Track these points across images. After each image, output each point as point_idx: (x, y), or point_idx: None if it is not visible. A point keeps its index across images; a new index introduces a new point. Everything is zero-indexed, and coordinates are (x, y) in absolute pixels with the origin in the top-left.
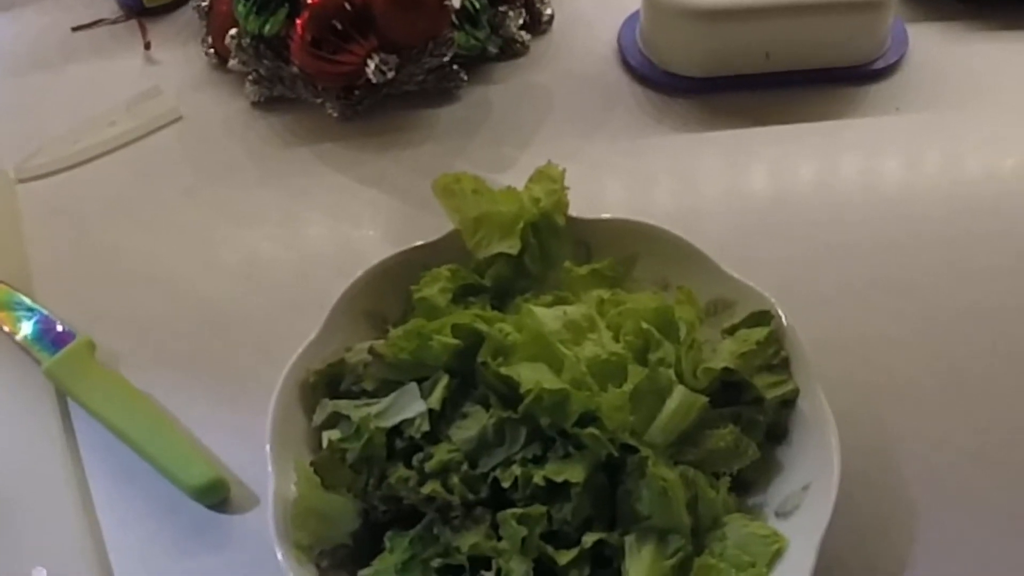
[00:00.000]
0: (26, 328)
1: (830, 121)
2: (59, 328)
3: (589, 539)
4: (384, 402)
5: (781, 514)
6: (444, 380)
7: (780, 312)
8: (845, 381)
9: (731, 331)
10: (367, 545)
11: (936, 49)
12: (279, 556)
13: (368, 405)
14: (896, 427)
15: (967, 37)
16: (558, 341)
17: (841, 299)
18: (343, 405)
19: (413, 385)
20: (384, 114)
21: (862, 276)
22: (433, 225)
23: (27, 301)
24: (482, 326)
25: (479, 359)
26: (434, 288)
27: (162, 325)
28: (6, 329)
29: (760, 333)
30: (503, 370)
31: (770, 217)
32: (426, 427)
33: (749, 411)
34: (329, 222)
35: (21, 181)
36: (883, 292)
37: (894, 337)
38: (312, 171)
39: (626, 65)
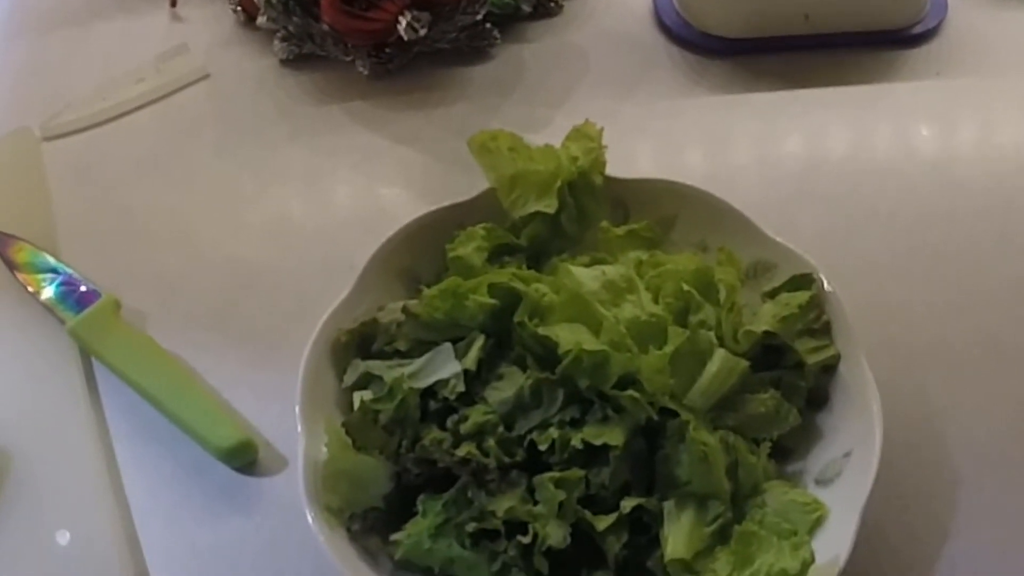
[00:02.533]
0: (50, 287)
1: (869, 85)
2: (84, 287)
3: (628, 504)
4: (418, 362)
5: (821, 482)
6: (480, 340)
7: (822, 276)
8: (884, 348)
9: (772, 294)
10: (399, 509)
11: (975, 14)
12: (309, 519)
13: (401, 366)
14: (937, 395)
15: (1006, 2)
16: (597, 302)
17: (879, 265)
18: (375, 365)
19: (448, 345)
20: (415, 72)
21: (901, 242)
22: (465, 184)
23: (51, 260)
24: (519, 285)
25: (516, 319)
26: (469, 247)
27: (189, 284)
28: (30, 289)
29: (802, 297)
30: (541, 330)
31: (807, 181)
32: (461, 388)
33: (790, 376)
34: (359, 181)
35: (47, 139)
36: (922, 259)
37: (933, 304)
38: (342, 129)
39: (662, 26)
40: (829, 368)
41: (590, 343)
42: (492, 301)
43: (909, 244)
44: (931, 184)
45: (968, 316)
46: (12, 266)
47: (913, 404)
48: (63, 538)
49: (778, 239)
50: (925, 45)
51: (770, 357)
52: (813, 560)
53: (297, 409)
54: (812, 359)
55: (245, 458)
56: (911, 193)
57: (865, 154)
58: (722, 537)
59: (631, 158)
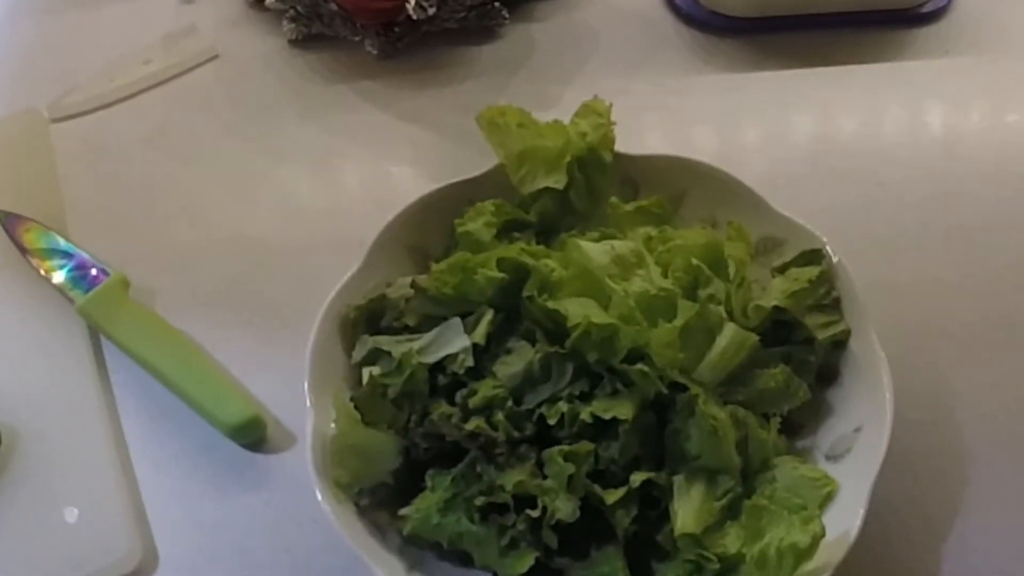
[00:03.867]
0: (59, 267)
1: (879, 64)
2: (93, 266)
3: (637, 478)
4: (426, 337)
5: (831, 457)
6: (488, 315)
7: (831, 251)
8: (894, 325)
9: (781, 270)
10: (408, 484)
11: None
12: (318, 494)
13: (410, 340)
14: (947, 372)
15: None
16: (606, 276)
17: (890, 243)
18: (384, 341)
19: (456, 320)
20: (424, 52)
21: (911, 220)
22: (473, 162)
23: (60, 240)
24: (528, 260)
25: (525, 293)
26: (478, 222)
27: (198, 262)
28: (39, 268)
29: (811, 272)
30: (550, 304)
31: (816, 160)
32: (470, 362)
33: (800, 351)
34: (368, 159)
35: (54, 120)
36: (932, 237)
37: (943, 282)
38: (351, 108)
39: (671, 4)
40: (839, 344)
41: (599, 317)
42: (501, 275)
43: (918, 222)
44: (941, 162)
45: (978, 293)
46: (24, 250)
47: (923, 381)
48: (71, 515)
49: (787, 214)
50: (935, 24)
51: (780, 332)
52: (824, 534)
53: (306, 384)
54: (822, 334)
55: (254, 435)
56: (920, 171)
57: (874, 132)
58: (732, 512)
59: (640, 136)
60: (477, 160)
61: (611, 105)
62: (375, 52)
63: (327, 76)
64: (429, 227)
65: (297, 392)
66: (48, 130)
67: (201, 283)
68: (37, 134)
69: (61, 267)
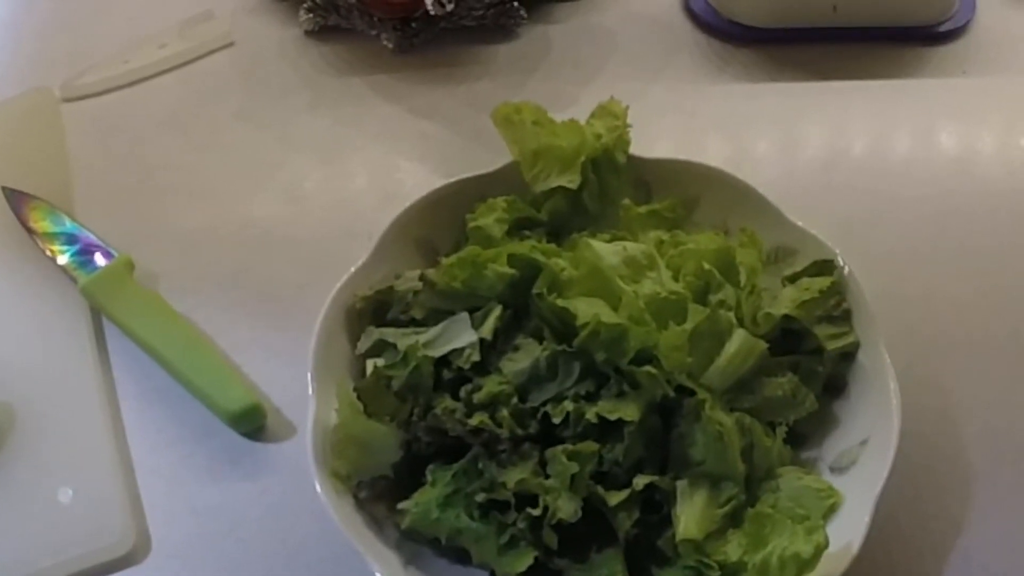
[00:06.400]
0: (64, 246)
1: (895, 80)
2: (98, 247)
3: (640, 481)
4: (433, 331)
5: (836, 469)
6: (497, 310)
7: (844, 263)
8: (902, 338)
9: (792, 279)
10: (408, 478)
11: (1003, 14)
12: (316, 484)
13: (416, 333)
14: (954, 388)
15: None
16: (616, 277)
17: (901, 257)
18: (390, 333)
19: (464, 314)
20: (440, 48)
21: (921, 236)
22: (486, 160)
23: (66, 219)
24: (539, 257)
25: (534, 291)
26: (490, 218)
27: (205, 247)
28: (43, 248)
29: (823, 282)
30: (559, 302)
31: (829, 172)
32: (476, 357)
33: (808, 361)
34: (379, 152)
35: (67, 100)
36: (943, 252)
37: (953, 297)
38: (365, 101)
39: (689, 11)
40: (848, 355)
41: (609, 316)
42: (511, 271)
43: (929, 238)
44: (954, 180)
45: (988, 310)
46: (29, 229)
47: (929, 396)
48: (65, 496)
49: (801, 224)
50: (952, 43)
51: (789, 341)
52: (827, 545)
53: (309, 373)
54: (831, 345)
55: (253, 423)
56: (933, 188)
57: (888, 148)
58: (734, 520)
59: (653, 141)
60: (489, 158)
61: (627, 107)
62: (391, 46)
63: (341, 68)
64: (439, 221)
65: (299, 383)
66: (59, 109)
67: (206, 269)
68: (48, 113)
69: (66, 247)
